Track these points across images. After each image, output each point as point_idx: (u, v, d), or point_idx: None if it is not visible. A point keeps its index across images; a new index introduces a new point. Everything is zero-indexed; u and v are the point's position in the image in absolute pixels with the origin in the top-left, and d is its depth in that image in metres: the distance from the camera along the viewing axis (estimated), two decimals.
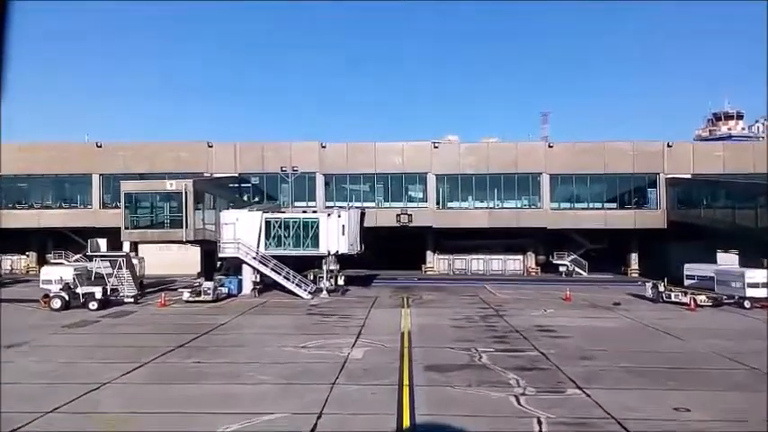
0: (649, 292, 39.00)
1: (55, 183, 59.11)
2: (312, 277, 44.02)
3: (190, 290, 37.45)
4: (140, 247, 60.97)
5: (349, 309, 34.81)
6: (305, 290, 40.29)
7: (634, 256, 61.49)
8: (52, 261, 58.10)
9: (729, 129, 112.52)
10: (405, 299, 39.69)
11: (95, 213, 55.50)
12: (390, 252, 64.59)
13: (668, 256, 56.86)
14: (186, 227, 35.90)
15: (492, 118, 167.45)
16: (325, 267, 42.18)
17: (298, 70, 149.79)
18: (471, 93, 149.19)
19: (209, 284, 36.91)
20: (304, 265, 48.02)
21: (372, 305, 36.69)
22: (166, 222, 37.63)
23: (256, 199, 56.43)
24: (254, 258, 40.30)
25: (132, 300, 36.45)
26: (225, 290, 39.63)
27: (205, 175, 55.26)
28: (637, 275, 60.60)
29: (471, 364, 19.72)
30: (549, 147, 55.13)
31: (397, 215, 55.29)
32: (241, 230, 40.62)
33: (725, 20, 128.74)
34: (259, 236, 40.92)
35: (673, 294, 37.12)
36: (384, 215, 55.45)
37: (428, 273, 63.36)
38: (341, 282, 43.39)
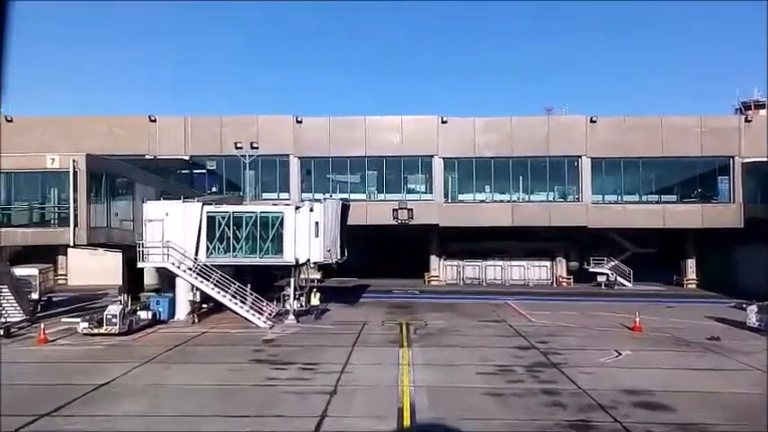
0: (753, 320, 28.11)
1: None
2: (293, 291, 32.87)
3: (88, 318, 26.41)
4: (70, 252, 50.61)
5: (320, 348, 23.77)
6: (262, 315, 29.27)
7: (691, 263, 50.77)
8: None
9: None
10: (403, 328, 28.72)
11: None
12: (385, 256, 54.30)
13: (735, 262, 46.26)
14: (77, 225, 24.74)
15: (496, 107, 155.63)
16: (293, 282, 31.14)
17: (266, 32, 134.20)
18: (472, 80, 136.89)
19: (114, 309, 25.80)
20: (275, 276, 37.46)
21: (356, 340, 25.68)
22: (53, 218, 26.46)
23: (214, 189, 45.56)
24: (190, 270, 29.27)
25: (2, 332, 25.36)
26: (148, 315, 28.61)
27: (147, 157, 44.42)
28: (695, 286, 50.10)
29: None
30: (592, 122, 44.10)
31: (394, 210, 44.40)
32: (172, 229, 29.54)
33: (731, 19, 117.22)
34: (198, 237, 29.86)
35: None
36: (377, 210, 44.62)
37: (432, 282, 52.69)
38: (316, 300, 32.31)
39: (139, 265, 29.31)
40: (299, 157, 45.15)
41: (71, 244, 25.33)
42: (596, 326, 29.90)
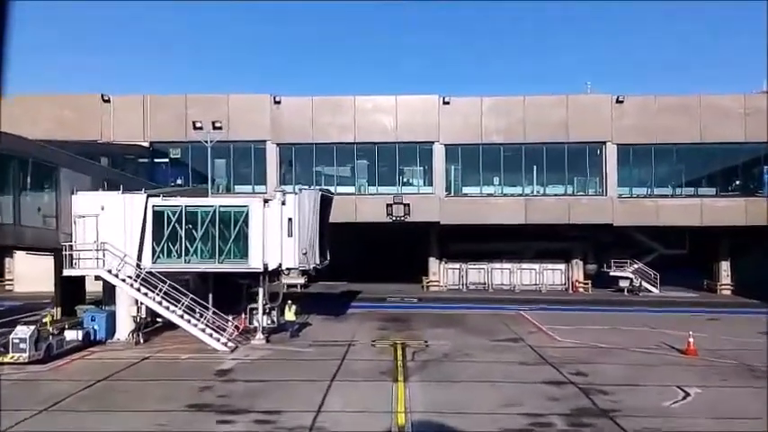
0: None
1: None
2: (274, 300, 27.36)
3: None
4: (18, 254, 45.23)
5: (288, 384, 18.40)
6: (222, 335, 23.90)
7: (725, 266, 45.61)
8: None
9: None
10: (398, 350, 23.42)
11: None
12: (378, 258, 49.24)
13: None
14: None
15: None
16: (261, 293, 25.73)
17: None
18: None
19: (23, 331, 20.35)
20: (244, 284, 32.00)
21: (338, 370, 20.31)
22: None
23: (179, 181, 40.19)
24: (131, 279, 23.86)
25: None
26: (78, 335, 23.21)
27: (99, 143, 39.03)
28: (729, 293, 45.09)
29: None
30: (618, 102, 38.88)
31: (389, 206, 39.16)
32: (109, 228, 24.16)
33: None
34: (142, 237, 24.45)
35: None
36: (368, 206, 39.46)
37: (431, 288, 47.54)
38: (291, 315, 26.87)
39: (66, 272, 23.90)
40: (278, 144, 39.79)
41: None
42: (636, 346, 24.69)
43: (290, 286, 43.70)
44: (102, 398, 16.98)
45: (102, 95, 39.26)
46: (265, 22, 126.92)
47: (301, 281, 44.82)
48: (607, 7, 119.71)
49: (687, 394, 17.29)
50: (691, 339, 23.32)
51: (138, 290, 23.70)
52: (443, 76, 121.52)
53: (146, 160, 39.62)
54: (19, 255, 45.18)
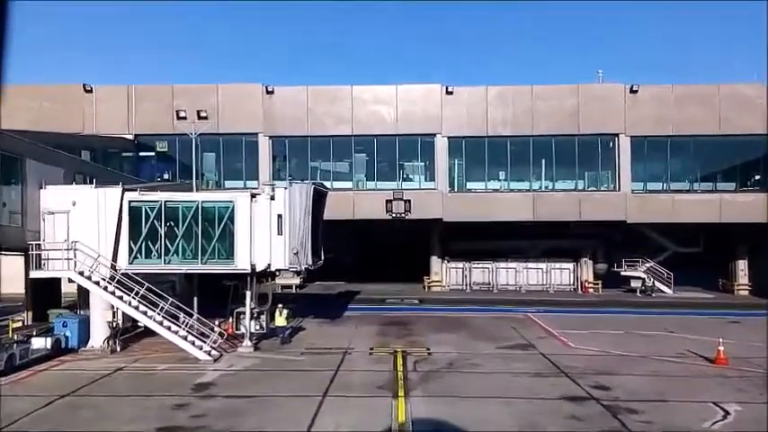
0: None
1: None
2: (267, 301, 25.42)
3: None
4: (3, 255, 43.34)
5: (274, 401, 16.44)
6: (206, 342, 21.94)
7: (742, 265, 43.69)
8: None
9: None
10: (398, 360, 21.48)
11: None
12: (377, 257, 47.48)
13: None
14: None
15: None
16: (248, 296, 23.76)
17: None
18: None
19: None
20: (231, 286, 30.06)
21: (331, 383, 18.36)
22: None
23: (165, 176, 38.24)
24: (105, 281, 21.90)
25: None
26: (46, 342, 21.28)
27: (82, 135, 37.08)
28: (747, 293, 43.19)
29: None
30: (632, 92, 36.94)
31: (388, 202, 37.25)
32: (82, 225, 22.20)
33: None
34: (118, 236, 22.49)
35: None
36: (367, 202, 37.56)
37: (433, 288, 45.69)
38: (282, 320, 24.88)
39: (33, 274, 21.95)
40: (271, 137, 37.83)
41: None
42: (659, 354, 22.75)
43: (284, 287, 41.93)
44: (60, 418, 15.00)
45: (85, 85, 37.32)
46: (260, 15, 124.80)
47: (296, 281, 42.94)
48: (613, 7, 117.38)
49: (726, 412, 15.32)
50: (721, 348, 21.37)
51: (113, 293, 21.73)
52: (446, 64, 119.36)
53: (131, 154, 37.70)
54: (5, 256, 43.40)
